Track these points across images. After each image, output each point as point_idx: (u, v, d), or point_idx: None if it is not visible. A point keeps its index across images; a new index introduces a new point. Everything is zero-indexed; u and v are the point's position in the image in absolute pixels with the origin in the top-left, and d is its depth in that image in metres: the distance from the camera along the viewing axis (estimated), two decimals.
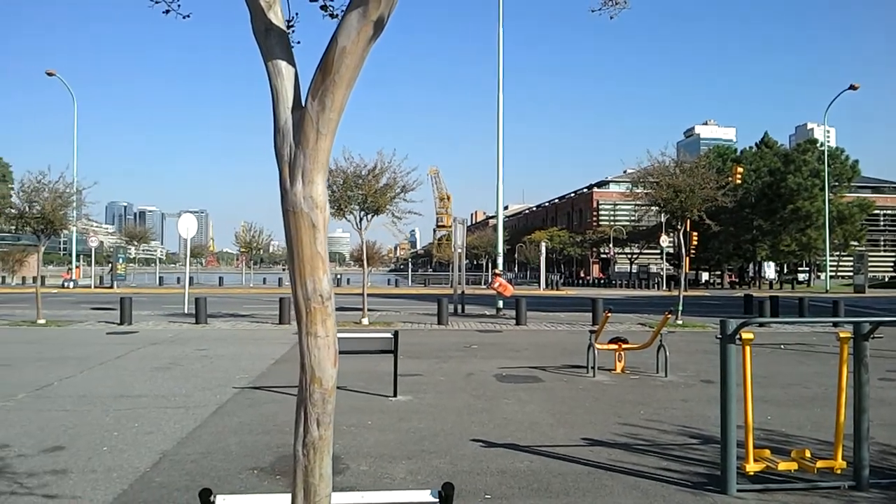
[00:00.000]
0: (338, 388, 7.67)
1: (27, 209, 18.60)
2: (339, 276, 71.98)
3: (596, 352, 11.18)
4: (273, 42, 1.89)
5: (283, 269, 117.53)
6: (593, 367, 11.15)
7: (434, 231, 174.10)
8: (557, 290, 50.92)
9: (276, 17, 1.92)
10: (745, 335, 5.60)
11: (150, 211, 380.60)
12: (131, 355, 13.15)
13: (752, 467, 5.66)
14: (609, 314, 12.38)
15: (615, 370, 11.48)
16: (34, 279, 53.58)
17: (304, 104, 1.87)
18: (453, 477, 5.84)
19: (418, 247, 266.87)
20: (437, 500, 3.13)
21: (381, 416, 8.08)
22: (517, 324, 19.79)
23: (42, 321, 18.90)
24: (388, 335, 9.56)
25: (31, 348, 14.11)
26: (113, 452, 6.51)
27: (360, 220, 19.46)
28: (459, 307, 24.64)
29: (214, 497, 3.07)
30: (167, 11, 2.68)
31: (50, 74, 47.29)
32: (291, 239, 1.92)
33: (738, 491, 5.43)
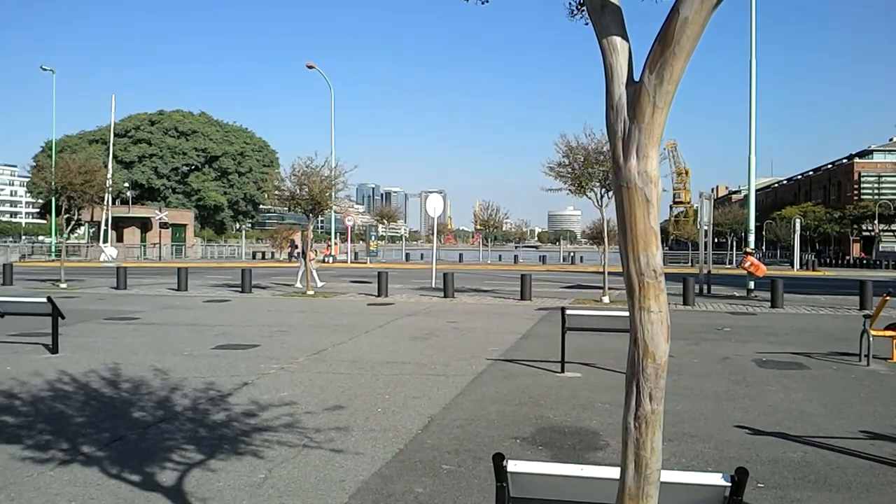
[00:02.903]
0: (587, 365, 7.64)
1: (298, 191, 20.64)
2: (571, 254, 71.92)
3: (871, 338, 10.15)
4: (608, 19, 1.92)
5: (516, 247, 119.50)
6: (867, 356, 10.14)
7: (670, 207, 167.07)
8: (813, 270, 46.77)
9: None
10: None
11: (394, 192, 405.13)
12: (391, 325, 14.16)
13: None
14: (889, 297, 11.15)
15: (892, 359, 10.36)
16: (300, 254, 59.37)
17: (638, 78, 1.88)
18: (720, 463, 5.63)
19: None
20: (730, 484, 3.02)
21: None
22: (772, 306, 18.49)
23: (311, 293, 20.94)
24: None
25: (305, 317, 15.68)
26: (386, 414, 7.05)
27: (601, 197, 19.20)
28: (705, 287, 23.52)
29: (507, 462, 3.20)
30: None
31: (310, 67, 51.61)
32: (625, 214, 1.94)
33: None
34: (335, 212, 45.69)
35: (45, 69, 56.04)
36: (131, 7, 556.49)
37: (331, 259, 52.52)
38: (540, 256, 70.11)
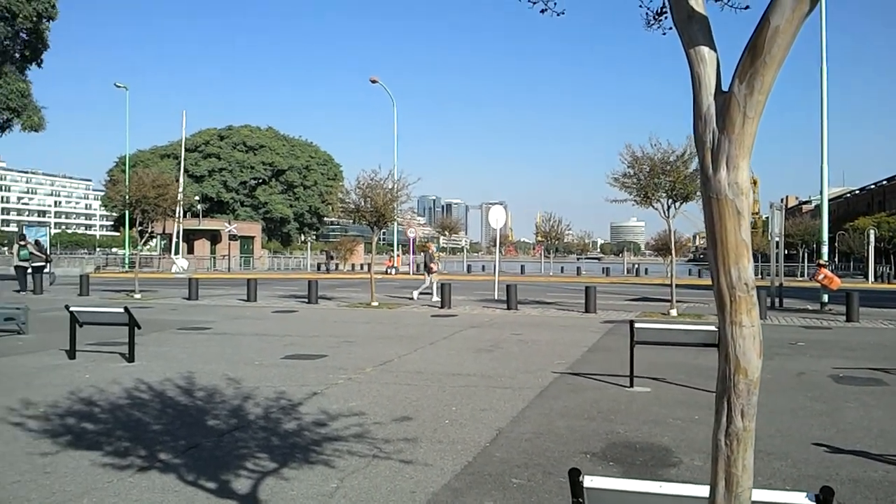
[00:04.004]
0: (657, 379, 7.50)
1: (362, 203, 20.92)
2: (636, 266, 70.88)
3: None
4: (695, 29, 1.90)
5: (578, 259, 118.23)
6: None
7: None
8: (889, 283, 44.99)
9: (698, 4, 1.93)
10: None
11: (455, 203, 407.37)
12: (455, 336, 14.19)
13: None
14: None
15: None
16: (362, 266, 60.28)
17: (727, 88, 1.86)
18: (798, 481, 5.46)
19: None
20: (814, 503, 2.94)
21: (708, 412, 7.75)
22: (848, 320, 17.83)
23: (375, 303, 21.16)
24: (711, 328, 9.17)
25: (370, 327, 15.84)
26: (454, 426, 7.05)
27: (668, 208, 18.88)
28: (777, 300, 22.86)
29: (583, 477, 3.15)
30: (544, 10, 2.81)
31: (373, 82, 52.42)
32: (714, 226, 1.91)
33: None
34: (398, 224, 46.15)
35: (118, 86, 58.23)
36: (200, 27, 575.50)
37: (393, 271, 53.00)
38: (603, 268, 69.33)
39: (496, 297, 23.98)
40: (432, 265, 25.07)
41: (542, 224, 64.46)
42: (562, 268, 71.23)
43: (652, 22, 2.88)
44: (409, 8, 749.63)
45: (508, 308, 20.21)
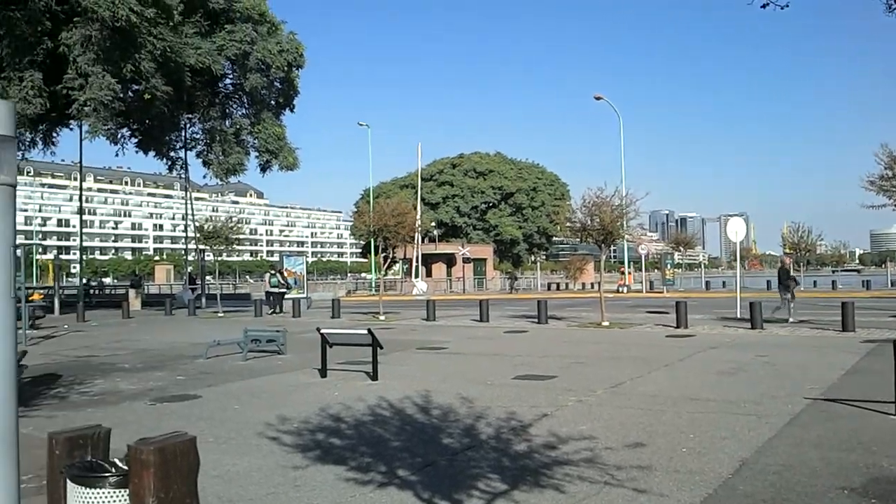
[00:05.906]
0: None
1: (589, 222, 20.69)
2: None
3: None
4: None
5: (834, 272, 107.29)
6: None
7: None
8: None
9: None
10: None
11: (689, 217, 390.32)
12: (692, 358, 13.49)
13: None
14: None
15: None
16: (593, 285, 59.54)
17: None
18: None
19: None
20: None
21: None
22: None
23: (606, 323, 20.76)
24: None
25: (601, 348, 15.55)
26: (691, 455, 6.67)
27: None
28: None
29: None
30: (765, 6, 2.61)
31: (598, 99, 51.87)
32: None
33: None
34: (627, 241, 45.05)
35: (361, 125, 63.10)
36: (430, 64, 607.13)
37: (625, 289, 51.74)
38: (863, 281, 62.50)
39: (738, 316, 22.44)
40: (789, 282, 21.54)
41: (790, 235, 59.42)
42: (814, 282, 65.15)
43: (893, 6, 2.54)
44: (630, 17, 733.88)
45: (752, 327, 18.82)
